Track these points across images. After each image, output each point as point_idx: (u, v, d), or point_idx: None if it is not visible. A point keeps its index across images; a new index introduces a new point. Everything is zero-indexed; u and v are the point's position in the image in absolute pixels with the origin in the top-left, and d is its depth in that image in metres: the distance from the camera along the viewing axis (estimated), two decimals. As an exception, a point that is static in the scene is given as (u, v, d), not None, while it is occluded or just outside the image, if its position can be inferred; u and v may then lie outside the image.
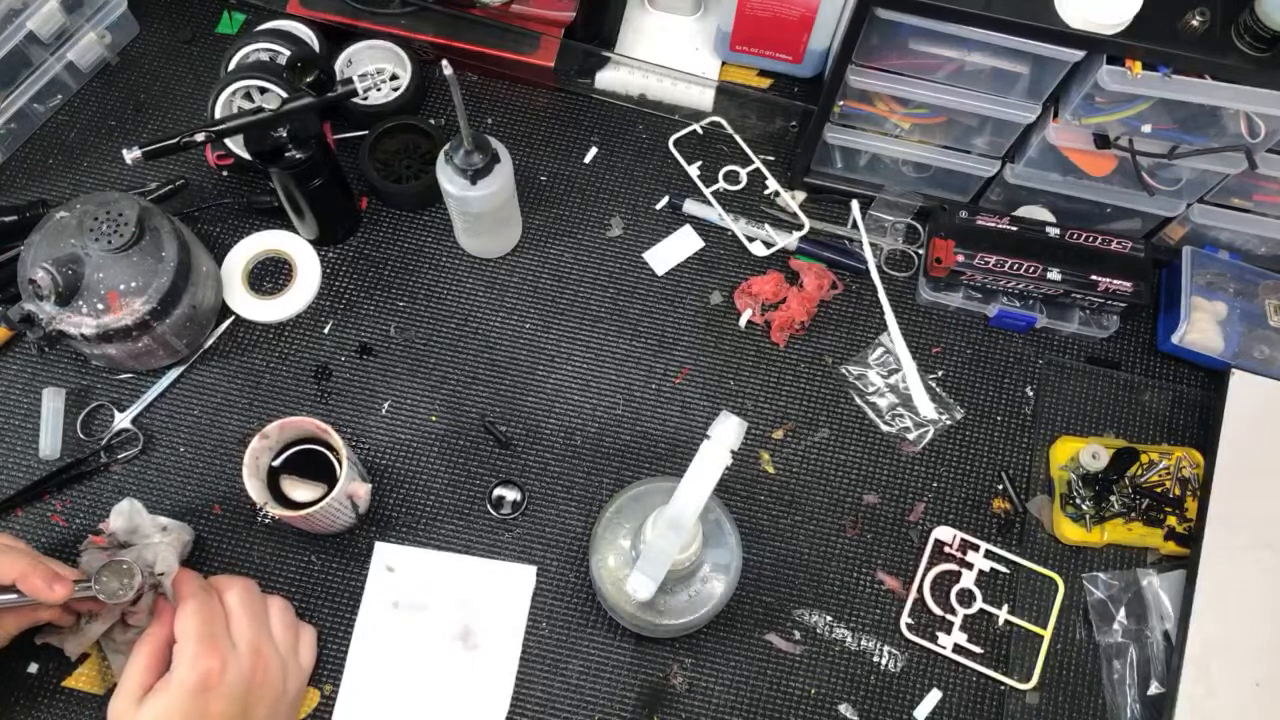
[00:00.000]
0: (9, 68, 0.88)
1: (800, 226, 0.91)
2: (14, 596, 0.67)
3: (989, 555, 0.81)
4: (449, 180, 0.78)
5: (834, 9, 0.86)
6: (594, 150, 0.94)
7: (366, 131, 0.90)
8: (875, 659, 0.79)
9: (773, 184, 0.93)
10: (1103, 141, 0.77)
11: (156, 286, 0.76)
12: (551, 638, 0.78)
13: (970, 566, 0.81)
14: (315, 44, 0.91)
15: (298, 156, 0.79)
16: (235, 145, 0.87)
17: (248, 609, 0.70)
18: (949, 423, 0.86)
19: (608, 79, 0.95)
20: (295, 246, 0.88)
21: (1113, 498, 0.80)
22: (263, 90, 0.87)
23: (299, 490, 0.77)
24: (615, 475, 0.83)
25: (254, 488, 0.72)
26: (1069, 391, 0.87)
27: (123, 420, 0.83)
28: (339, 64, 0.91)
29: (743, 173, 0.93)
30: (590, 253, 0.90)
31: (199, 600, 0.68)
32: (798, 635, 0.79)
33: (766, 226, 0.91)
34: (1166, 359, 0.89)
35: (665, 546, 0.61)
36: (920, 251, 0.91)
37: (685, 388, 0.86)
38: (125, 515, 0.75)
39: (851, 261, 0.90)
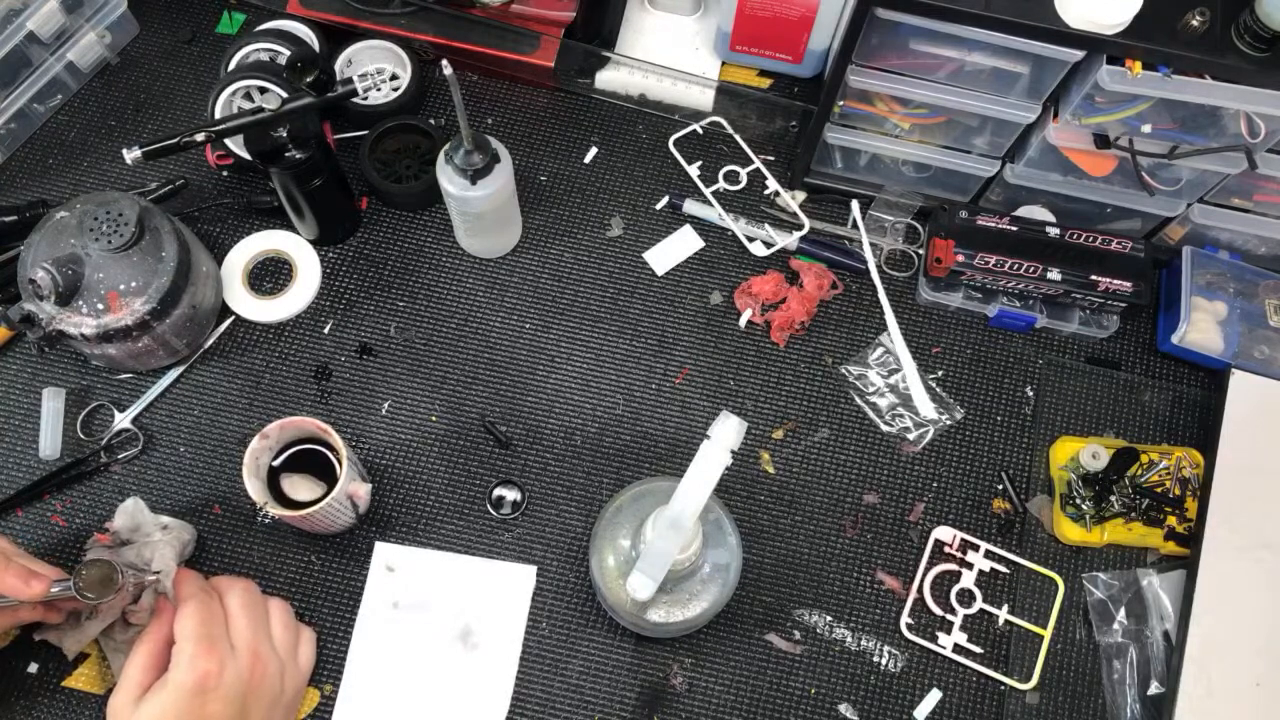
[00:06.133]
0: (9, 68, 0.88)
1: (800, 226, 0.91)
2: None
3: (989, 555, 0.81)
4: (449, 180, 0.79)
5: (834, 9, 0.86)
6: (594, 150, 0.94)
7: (366, 131, 0.90)
8: (875, 659, 0.79)
9: (773, 184, 0.93)
10: (1103, 141, 0.77)
11: (156, 286, 0.76)
12: (551, 638, 0.78)
13: (970, 566, 0.81)
14: (315, 44, 0.91)
15: (298, 156, 0.79)
16: (235, 145, 0.87)
17: (248, 611, 0.70)
18: (949, 423, 0.86)
19: (608, 79, 0.95)
20: (295, 246, 0.88)
21: (1113, 498, 0.80)
22: (263, 90, 0.87)
23: (299, 490, 0.77)
24: (615, 475, 0.83)
25: (254, 488, 0.72)
26: (1069, 391, 0.87)
27: (123, 420, 0.83)
28: (339, 64, 0.91)
29: (743, 173, 0.93)
30: (590, 253, 0.90)
31: (198, 601, 0.68)
32: (798, 635, 0.79)
33: (766, 226, 0.91)
34: (1166, 359, 0.89)
35: (665, 546, 0.61)
36: (920, 251, 0.91)
37: (685, 388, 0.86)
38: (129, 514, 0.75)
39: (851, 261, 0.90)
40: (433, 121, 0.94)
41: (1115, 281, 0.85)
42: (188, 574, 0.72)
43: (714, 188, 0.92)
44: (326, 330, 0.87)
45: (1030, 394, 0.87)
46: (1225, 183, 0.80)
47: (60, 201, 0.87)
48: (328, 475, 0.77)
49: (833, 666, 0.78)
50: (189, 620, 0.67)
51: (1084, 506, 0.80)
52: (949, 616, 0.79)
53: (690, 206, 0.91)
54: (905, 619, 0.79)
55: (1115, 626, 0.79)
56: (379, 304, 0.88)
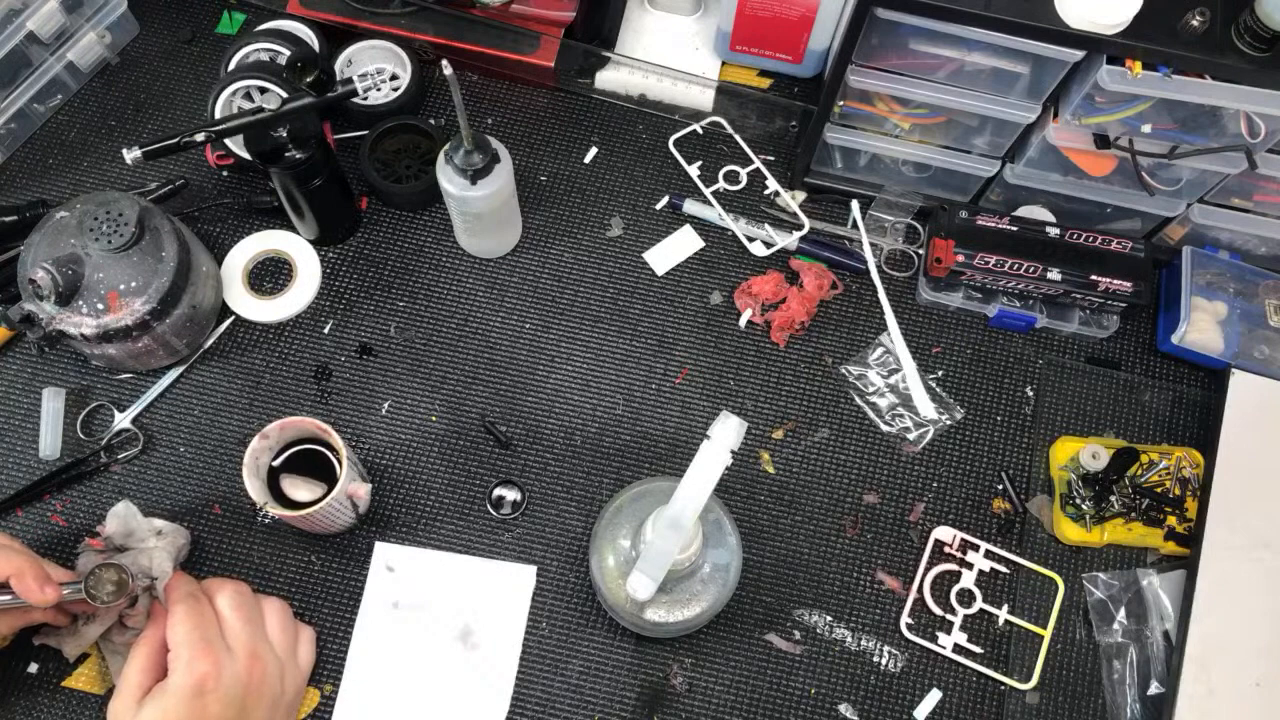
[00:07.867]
0: (9, 68, 0.88)
1: (800, 226, 0.91)
2: (7, 598, 0.67)
3: (989, 555, 0.81)
4: (449, 180, 0.79)
5: (834, 9, 0.86)
6: (594, 150, 0.94)
7: (366, 131, 0.90)
8: (875, 659, 0.79)
9: (773, 184, 0.93)
10: (1103, 141, 0.77)
11: (156, 286, 0.76)
12: (551, 638, 0.78)
13: (970, 566, 0.81)
14: (315, 44, 0.91)
15: (298, 156, 0.79)
16: (235, 145, 0.87)
17: (240, 612, 0.70)
18: (949, 423, 0.86)
19: (608, 79, 0.95)
20: (295, 246, 0.88)
21: (1113, 498, 0.80)
22: (263, 90, 0.87)
23: (299, 490, 0.77)
24: (615, 475, 0.83)
25: (254, 488, 0.72)
26: (1069, 391, 0.87)
27: (123, 420, 0.83)
28: (339, 64, 0.91)
29: (743, 173, 0.93)
30: (590, 253, 0.90)
31: (187, 606, 0.68)
32: (798, 635, 0.79)
33: (766, 226, 0.91)
34: (1166, 359, 0.89)
35: (665, 546, 0.61)
36: (920, 251, 0.91)
37: (685, 388, 0.86)
38: (120, 519, 0.75)
39: (851, 261, 0.90)
40: (433, 121, 0.94)
41: (1115, 281, 0.85)
42: (178, 578, 0.72)
43: (714, 188, 0.92)
44: (326, 330, 0.87)
45: (1030, 394, 0.87)
46: (1225, 183, 0.80)
47: (60, 201, 0.87)
48: (328, 475, 0.77)
49: (833, 666, 0.78)
50: (181, 624, 0.67)
51: (1084, 506, 0.80)
52: (949, 616, 0.79)
53: (690, 206, 0.91)
54: (905, 619, 0.79)
55: (1115, 626, 0.79)
56: (379, 304, 0.88)
